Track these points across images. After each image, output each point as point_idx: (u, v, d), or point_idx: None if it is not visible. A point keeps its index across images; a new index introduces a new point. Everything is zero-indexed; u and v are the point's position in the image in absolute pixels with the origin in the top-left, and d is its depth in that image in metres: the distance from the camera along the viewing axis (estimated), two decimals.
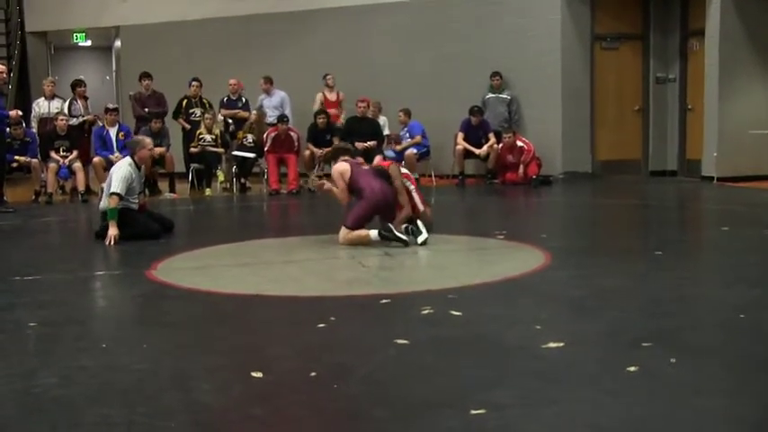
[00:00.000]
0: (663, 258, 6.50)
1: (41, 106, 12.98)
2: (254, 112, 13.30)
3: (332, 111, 13.60)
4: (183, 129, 13.37)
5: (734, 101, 12.44)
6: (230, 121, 13.58)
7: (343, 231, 7.32)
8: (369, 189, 7.45)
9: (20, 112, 11.90)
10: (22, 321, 4.88)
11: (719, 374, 3.72)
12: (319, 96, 13.85)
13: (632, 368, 3.68)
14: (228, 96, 13.77)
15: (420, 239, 7.21)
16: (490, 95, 13.52)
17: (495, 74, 13.44)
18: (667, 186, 12.68)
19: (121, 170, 8.10)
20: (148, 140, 8.58)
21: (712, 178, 12.50)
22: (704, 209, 10.69)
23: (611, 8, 13.72)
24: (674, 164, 13.79)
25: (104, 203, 8.16)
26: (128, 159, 8.32)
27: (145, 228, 8.06)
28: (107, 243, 7.74)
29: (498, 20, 13.63)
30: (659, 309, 4.89)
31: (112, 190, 7.98)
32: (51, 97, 13.03)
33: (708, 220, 9.69)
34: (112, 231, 7.81)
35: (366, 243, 7.22)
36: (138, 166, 8.29)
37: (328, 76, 13.82)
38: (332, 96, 13.92)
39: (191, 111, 13.42)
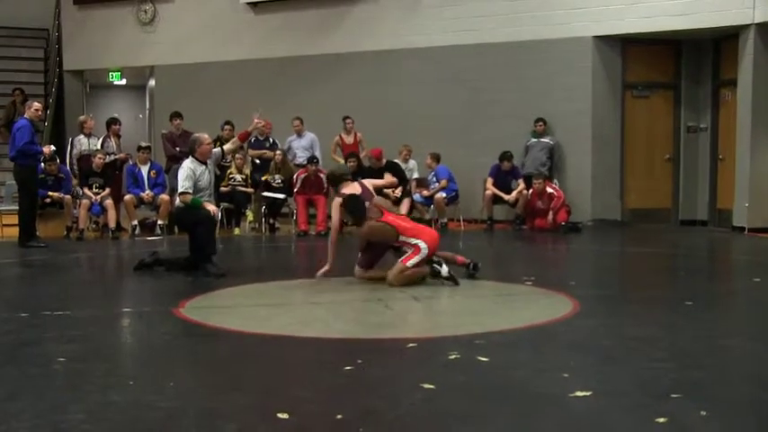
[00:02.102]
0: (693, 309, 6.43)
1: (82, 143, 13.15)
2: (278, 151, 13.41)
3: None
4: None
5: (766, 151, 12.38)
6: (258, 161, 13.68)
7: (399, 267, 7.37)
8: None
9: (53, 148, 12.07)
10: (50, 356, 4.91)
11: (751, 429, 3.66)
12: (336, 139, 13.98)
13: (662, 419, 3.63)
14: (256, 137, 13.89)
15: (443, 272, 7.41)
16: (533, 140, 13.53)
17: (539, 119, 13.47)
18: (697, 236, 12.58)
19: (182, 170, 8.30)
20: (204, 135, 8.62)
21: (743, 229, 12.40)
22: (735, 259, 10.59)
23: (643, 57, 13.76)
24: (704, 213, 13.71)
25: (177, 202, 8.45)
26: (188, 159, 8.44)
27: (201, 245, 8.29)
28: (213, 215, 8.28)
29: (529, 67, 13.70)
30: (689, 360, 4.83)
31: (180, 190, 8.23)
32: (89, 134, 13.22)
33: (739, 270, 9.59)
34: (210, 208, 8.24)
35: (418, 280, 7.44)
36: (202, 162, 8.39)
37: (348, 120, 13.92)
38: (349, 139, 14.02)
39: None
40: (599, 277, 8.87)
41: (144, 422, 3.71)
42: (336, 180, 8.10)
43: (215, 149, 8.80)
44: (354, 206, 7.65)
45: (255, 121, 9.02)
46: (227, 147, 9.11)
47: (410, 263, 7.32)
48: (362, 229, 7.57)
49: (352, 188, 7.86)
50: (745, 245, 11.48)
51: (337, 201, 7.81)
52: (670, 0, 12.82)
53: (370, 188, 8.01)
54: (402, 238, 7.41)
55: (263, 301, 6.92)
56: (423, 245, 7.35)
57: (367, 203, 7.73)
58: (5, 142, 13.76)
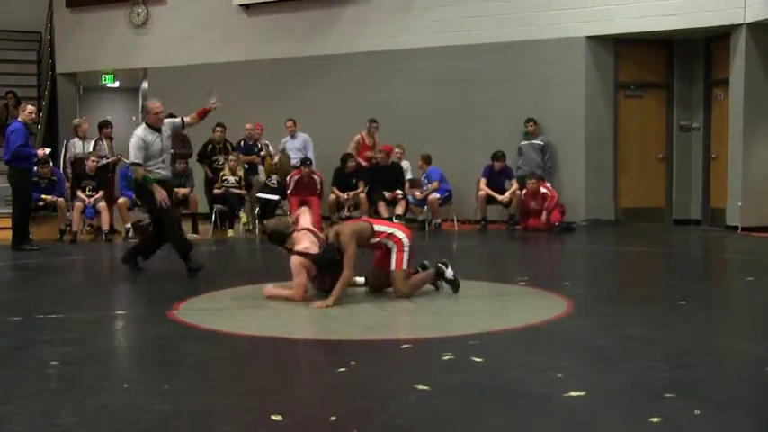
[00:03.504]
0: (686, 308, 6.45)
1: (77, 146, 13.12)
2: (276, 155, 13.46)
3: (367, 154, 13.71)
4: (207, 175, 13.52)
5: (758, 150, 12.40)
6: (246, 166, 13.66)
7: (401, 275, 6.95)
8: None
9: (47, 151, 12.04)
10: (44, 359, 4.90)
11: (744, 428, 3.67)
12: (358, 138, 13.92)
13: (655, 419, 3.63)
14: (245, 141, 13.88)
15: (448, 274, 7.14)
16: (524, 142, 13.52)
17: (530, 119, 13.46)
18: (691, 235, 12.60)
19: (134, 138, 8.14)
20: (155, 104, 8.37)
21: (737, 228, 12.42)
22: (728, 258, 10.60)
23: (635, 57, 13.77)
24: (697, 212, 13.73)
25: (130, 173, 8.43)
26: (141, 126, 8.30)
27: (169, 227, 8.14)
28: (160, 204, 7.97)
29: (521, 67, 13.71)
30: (683, 359, 4.84)
31: (130, 161, 8.12)
32: (84, 137, 13.19)
33: (732, 269, 9.61)
34: (159, 195, 7.99)
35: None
36: (155, 129, 8.21)
37: (374, 123, 13.87)
38: (370, 141, 13.98)
39: (214, 158, 13.57)
40: (593, 277, 8.87)
41: (138, 425, 3.70)
42: (282, 238, 7.05)
43: (173, 119, 8.69)
44: (328, 258, 6.78)
45: (212, 101, 8.85)
46: (187, 119, 8.90)
47: (405, 264, 6.96)
48: (348, 250, 6.70)
49: (306, 239, 6.99)
50: (739, 244, 11.50)
51: (295, 260, 6.84)
52: (662, 0, 12.84)
53: (317, 231, 7.20)
54: (377, 228, 6.98)
55: (257, 303, 6.90)
56: (399, 233, 6.99)
57: (331, 240, 6.92)
58: None
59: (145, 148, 8.09)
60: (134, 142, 8.12)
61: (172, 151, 9.38)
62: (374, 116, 13.96)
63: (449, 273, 7.16)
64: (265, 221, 7.09)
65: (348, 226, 6.99)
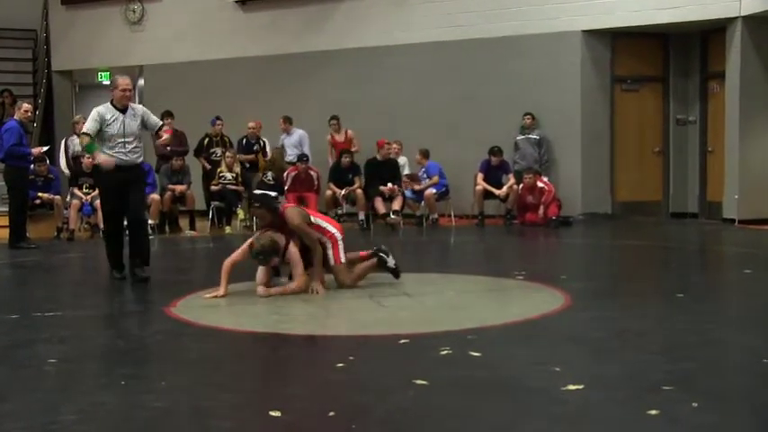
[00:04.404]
0: (684, 301, 6.45)
1: (76, 143, 13.09)
2: (269, 152, 13.47)
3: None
4: (204, 168, 13.50)
5: (755, 143, 12.42)
6: (247, 165, 13.68)
7: (341, 270, 7.13)
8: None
9: (43, 149, 12.02)
10: (42, 357, 4.89)
11: (742, 420, 3.67)
12: (328, 139, 14.01)
13: (653, 412, 3.64)
14: (247, 139, 13.88)
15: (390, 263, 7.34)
16: (520, 137, 13.51)
17: (527, 113, 13.44)
18: (688, 228, 12.61)
19: (91, 113, 7.75)
20: (120, 80, 7.82)
21: (733, 220, 12.44)
22: (726, 251, 10.62)
23: (632, 50, 13.76)
24: (694, 206, 13.74)
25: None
26: (104, 104, 7.88)
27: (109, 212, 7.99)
28: (105, 168, 7.64)
29: (518, 62, 13.69)
30: (681, 352, 4.84)
31: (82, 130, 7.81)
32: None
33: (730, 262, 9.62)
34: (99, 159, 7.63)
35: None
36: (119, 109, 7.71)
37: (333, 121, 13.97)
38: (339, 137, 14.03)
39: (211, 150, 13.55)
40: (590, 271, 8.87)
41: (136, 422, 3.70)
42: (273, 250, 6.96)
43: (151, 117, 8.09)
44: (266, 199, 7.32)
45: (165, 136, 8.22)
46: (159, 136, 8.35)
47: (342, 258, 7.13)
48: (308, 233, 6.97)
49: (279, 237, 7.04)
50: (736, 236, 11.52)
51: (293, 252, 7.01)
52: None
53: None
54: (314, 220, 7.14)
55: (255, 299, 6.90)
56: (332, 229, 7.17)
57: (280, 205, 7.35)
58: None
59: (99, 122, 7.63)
60: (91, 115, 7.74)
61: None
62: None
63: (390, 262, 7.33)
64: (255, 244, 6.97)
65: (294, 212, 7.13)
